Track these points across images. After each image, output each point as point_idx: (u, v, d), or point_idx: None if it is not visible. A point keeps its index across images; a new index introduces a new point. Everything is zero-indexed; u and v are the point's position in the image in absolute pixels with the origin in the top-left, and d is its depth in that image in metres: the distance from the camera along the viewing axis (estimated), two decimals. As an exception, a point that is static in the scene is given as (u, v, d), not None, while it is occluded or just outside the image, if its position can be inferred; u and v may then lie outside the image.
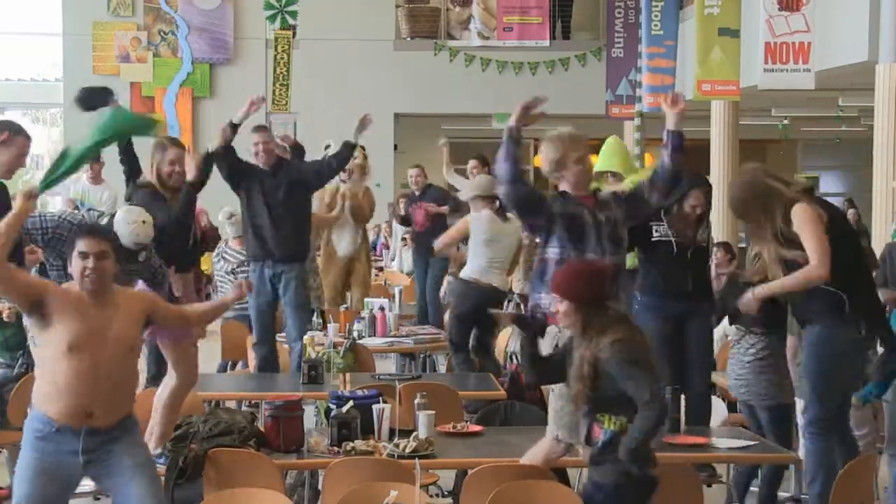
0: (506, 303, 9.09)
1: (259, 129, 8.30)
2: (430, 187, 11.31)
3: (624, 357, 4.33)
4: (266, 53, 17.21)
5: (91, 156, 5.41)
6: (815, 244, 5.21)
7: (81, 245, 4.57)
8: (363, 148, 9.86)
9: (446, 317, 9.09)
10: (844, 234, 5.42)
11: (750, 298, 5.50)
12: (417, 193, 11.12)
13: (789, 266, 5.30)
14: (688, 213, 6.43)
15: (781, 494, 6.46)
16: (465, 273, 8.42)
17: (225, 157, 7.94)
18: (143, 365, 5.65)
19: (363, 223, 10.08)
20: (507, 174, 5.15)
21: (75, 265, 4.58)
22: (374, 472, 4.83)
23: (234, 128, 7.92)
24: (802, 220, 5.24)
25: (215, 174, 7.94)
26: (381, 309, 8.87)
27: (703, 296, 6.47)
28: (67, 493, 4.68)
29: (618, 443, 4.35)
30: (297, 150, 9.31)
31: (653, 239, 6.49)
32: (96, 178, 11.64)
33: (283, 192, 8.08)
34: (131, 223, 6.67)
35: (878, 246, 9.23)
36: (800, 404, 5.82)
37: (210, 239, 9.31)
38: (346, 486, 4.74)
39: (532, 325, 4.79)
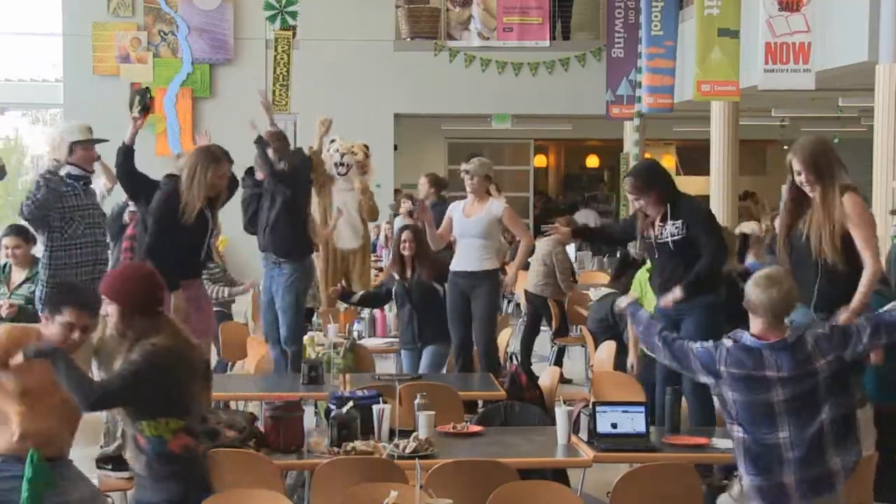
0: (504, 302, 9.06)
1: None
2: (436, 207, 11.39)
3: (140, 358, 4.24)
4: (266, 53, 17.20)
5: None
6: None
7: (70, 315, 4.58)
8: (366, 146, 9.85)
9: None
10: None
11: None
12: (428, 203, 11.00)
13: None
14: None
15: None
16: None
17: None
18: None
19: (369, 220, 10.02)
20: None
21: (57, 331, 4.58)
22: (362, 473, 4.85)
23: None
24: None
25: None
26: (381, 309, 8.88)
27: (694, 293, 6.41)
28: None
29: (168, 452, 4.28)
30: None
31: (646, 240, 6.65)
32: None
33: (276, 192, 8.10)
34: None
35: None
36: None
37: None
38: (335, 487, 4.76)
39: None
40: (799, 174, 5.53)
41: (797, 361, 4.29)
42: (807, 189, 5.53)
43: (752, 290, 4.44)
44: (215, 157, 6.61)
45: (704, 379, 4.49)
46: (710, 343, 4.47)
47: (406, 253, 8.23)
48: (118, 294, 4.37)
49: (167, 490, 4.30)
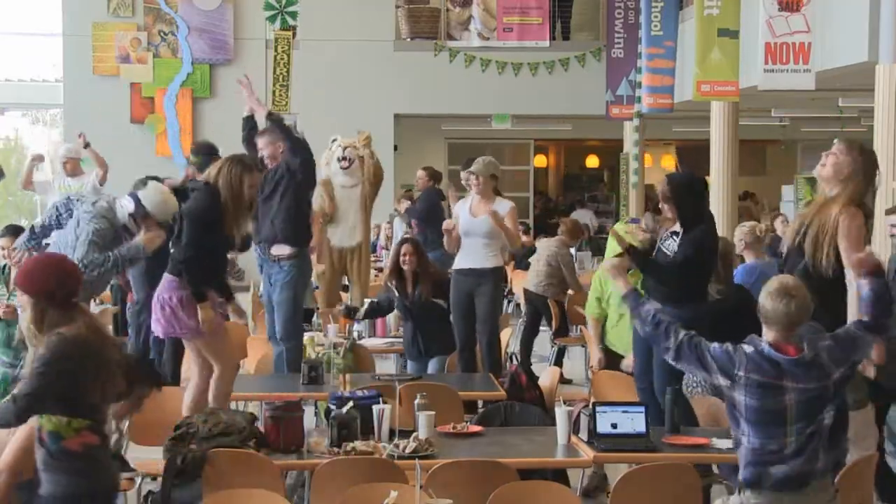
0: (504, 302, 9.06)
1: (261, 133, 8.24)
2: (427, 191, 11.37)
3: (47, 350, 4.11)
4: (266, 54, 17.20)
5: None
6: None
7: None
8: (368, 138, 9.89)
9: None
10: None
11: None
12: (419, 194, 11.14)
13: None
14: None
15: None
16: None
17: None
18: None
19: (375, 179, 10.02)
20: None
21: None
22: (362, 473, 4.85)
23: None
24: None
25: None
26: (380, 310, 8.88)
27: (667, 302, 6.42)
28: None
29: (65, 449, 4.13)
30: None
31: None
32: (75, 171, 11.43)
33: (270, 182, 8.05)
34: (162, 194, 6.75)
35: (876, 247, 9.21)
36: None
37: None
38: (335, 487, 4.76)
39: None
40: (828, 156, 5.62)
41: (815, 377, 4.27)
42: (819, 169, 5.61)
43: (767, 301, 4.30)
44: (249, 167, 6.48)
45: (718, 380, 4.41)
46: (729, 345, 4.38)
47: (406, 267, 8.13)
48: (33, 285, 4.26)
49: (58, 482, 4.16)
